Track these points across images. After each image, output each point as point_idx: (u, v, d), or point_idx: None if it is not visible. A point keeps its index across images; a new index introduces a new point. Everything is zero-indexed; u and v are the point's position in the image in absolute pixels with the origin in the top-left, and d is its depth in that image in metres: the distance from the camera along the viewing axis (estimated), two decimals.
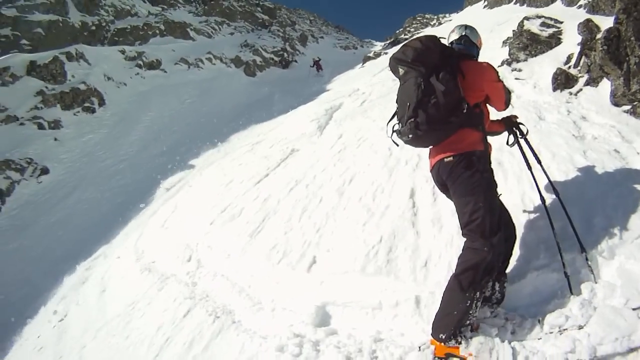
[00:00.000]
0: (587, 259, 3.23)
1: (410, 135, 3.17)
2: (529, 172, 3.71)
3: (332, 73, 27.64)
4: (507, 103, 3.63)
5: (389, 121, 3.64)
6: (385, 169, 6.46)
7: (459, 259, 3.12)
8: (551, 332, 2.87)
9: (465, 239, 3.18)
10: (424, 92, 3.06)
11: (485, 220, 3.03)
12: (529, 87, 7.26)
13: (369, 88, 14.37)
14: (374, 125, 8.83)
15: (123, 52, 30.00)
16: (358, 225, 5.31)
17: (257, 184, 8.52)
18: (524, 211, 4.20)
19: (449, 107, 3.07)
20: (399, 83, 3.39)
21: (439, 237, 4.50)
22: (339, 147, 8.43)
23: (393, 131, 3.47)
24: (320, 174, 7.42)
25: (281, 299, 4.74)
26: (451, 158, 3.22)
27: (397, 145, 3.59)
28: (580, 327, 2.76)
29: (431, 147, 3.50)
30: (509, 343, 2.82)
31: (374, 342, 3.56)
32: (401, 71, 3.31)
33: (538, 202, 3.81)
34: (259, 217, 6.87)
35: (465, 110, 3.12)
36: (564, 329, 2.83)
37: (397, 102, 3.43)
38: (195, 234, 7.67)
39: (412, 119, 3.11)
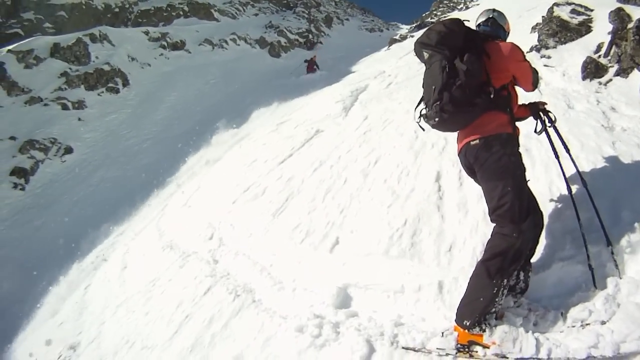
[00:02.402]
0: (612, 253, 3.13)
1: (437, 119, 3.10)
2: (557, 161, 3.58)
3: (354, 58, 27.38)
4: (534, 84, 3.54)
5: (417, 106, 3.54)
6: (411, 151, 6.35)
7: (486, 244, 3.05)
8: (573, 326, 2.79)
9: (494, 225, 3.09)
10: (449, 75, 3.00)
11: (514, 205, 2.94)
12: (558, 75, 7.08)
13: (395, 70, 14.20)
14: (399, 108, 8.70)
15: (147, 33, 30.21)
16: (382, 207, 5.23)
17: (281, 164, 8.48)
18: (551, 200, 4.09)
19: (474, 88, 3.02)
20: (425, 67, 3.32)
21: (465, 223, 4.41)
22: (364, 129, 8.32)
23: (420, 116, 3.39)
24: (345, 155, 7.35)
25: (302, 279, 4.71)
26: (477, 141, 3.14)
27: (424, 130, 3.54)
28: (603, 323, 2.69)
29: (458, 131, 3.41)
30: (533, 334, 2.75)
31: (394, 326, 3.50)
32: (426, 55, 3.26)
33: (565, 191, 3.65)
34: (282, 197, 6.84)
35: (492, 93, 3.06)
36: (587, 324, 2.75)
37: (423, 86, 3.36)
38: (217, 212, 7.68)
39: (438, 102, 3.04)
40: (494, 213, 3.05)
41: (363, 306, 3.99)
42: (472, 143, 3.17)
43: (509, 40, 3.64)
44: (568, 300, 3.04)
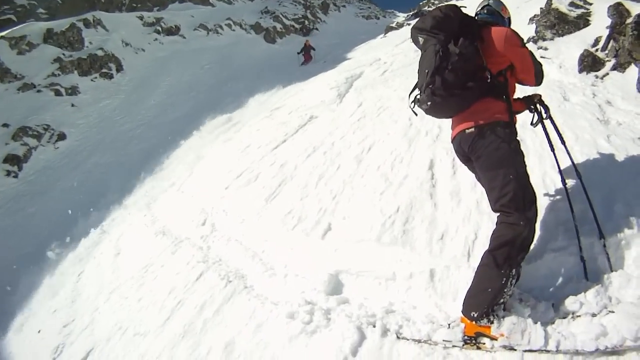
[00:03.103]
0: (605, 246, 3.11)
1: (429, 103, 3.06)
2: (552, 152, 3.54)
3: (350, 45, 27.04)
4: (538, 76, 3.40)
5: (411, 91, 3.47)
6: (405, 138, 6.34)
7: (492, 234, 2.98)
8: (564, 318, 2.78)
9: (498, 214, 3.03)
10: (442, 58, 2.96)
11: (517, 193, 2.89)
12: (554, 67, 7.04)
13: (391, 58, 14.13)
14: (394, 95, 8.67)
15: (141, 18, 29.94)
16: (375, 194, 5.23)
17: (274, 150, 8.50)
18: (545, 191, 4.07)
19: (467, 72, 2.97)
20: (420, 53, 3.28)
21: (457, 211, 4.39)
22: (358, 115, 8.31)
23: (414, 101, 3.33)
24: (339, 141, 7.34)
25: (294, 265, 4.71)
26: (473, 129, 3.08)
27: (417, 114, 3.46)
28: (594, 315, 2.68)
29: (452, 117, 3.37)
30: (541, 325, 2.72)
31: (385, 314, 3.51)
32: (421, 40, 3.23)
33: (559, 183, 3.65)
34: (275, 183, 6.86)
35: (488, 78, 3.01)
36: (578, 316, 2.75)
37: (418, 72, 3.31)
38: (210, 198, 7.71)
39: (430, 85, 3.00)
40: (497, 202, 2.99)
41: (354, 293, 4.00)
42: (467, 131, 3.12)
43: None
44: (560, 291, 3.04)
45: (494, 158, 3.00)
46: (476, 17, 3.57)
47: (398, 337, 3.25)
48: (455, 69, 2.93)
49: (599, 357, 2.53)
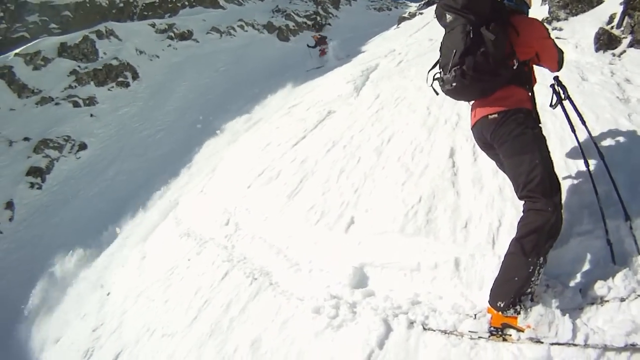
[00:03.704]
0: (631, 228, 3.00)
1: (454, 84, 2.97)
2: (573, 134, 3.43)
3: (364, 38, 26.85)
4: (560, 63, 3.36)
5: (430, 69, 3.43)
6: (424, 128, 6.24)
7: (519, 221, 2.90)
8: (592, 304, 2.72)
9: (524, 202, 2.95)
10: (473, 41, 2.88)
11: (544, 178, 2.81)
12: (570, 47, 6.85)
13: (405, 48, 14.00)
14: (411, 85, 8.58)
15: (153, 25, 30.22)
16: (397, 185, 5.17)
17: (294, 146, 8.51)
18: (567, 174, 3.96)
19: (498, 59, 2.90)
20: (445, 32, 3.19)
21: (480, 198, 4.30)
22: (376, 107, 8.24)
23: (434, 79, 3.27)
24: (358, 134, 7.30)
25: (319, 260, 4.70)
26: (496, 115, 3.02)
27: (437, 93, 3.38)
28: (622, 300, 2.61)
29: (473, 102, 3.30)
30: (569, 318, 2.63)
31: (411, 305, 3.47)
32: (448, 18, 3.10)
33: (582, 165, 3.57)
34: (296, 179, 6.86)
35: (515, 66, 2.96)
36: (606, 301, 2.68)
37: (440, 50, 3.22)
38: (233, 197, 7.76)
39: (458, 66, 2.92)
40: (524, 188, 2.90)
41: (379, 285, 3.96)
42: (490, 117, 3.06)
43: None
44: (587, 276, 2.96)
45: (518, 144, 2.93)
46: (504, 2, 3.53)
47: (424, 329, 3.21)
48: (487, 54, 2.87)
49: (629, 352, 2.44)
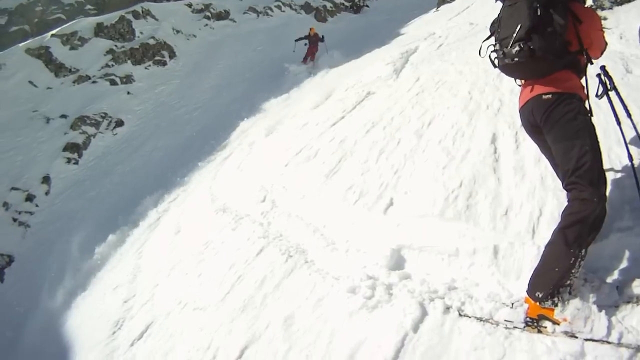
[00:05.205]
0: None
1: (516, 59, 2.94)
2: (618, 126, 3.29)
3: (402, 20, 26.13)
4: (603, 52, 3.31)
5: (484, 40, 3.38)
6: (465, 112, 6.11)
7: (564, 211, 2.84)
8: (628, 302, 2.67)
9: (569, 191, 2.87)
10: (540, 19, 2.84)
11: (594, 166, 2.74)
12: (614, 38, 6.59)
13: (445, 32, 13.70)
14: (452, 69, 8.40)
15: (190, 5, 30.16)
16: (437, 168, 5.09)
17: (333, 126, 8.45)
18: (610, 167, 3.83)
19: (563, 42, 2.89)
20: (503, 5, 3.14)
21: (521, 186, 4.22)
22: (416, 90, 8.08)
23: (492, 51, 3.21)
24: (398, 116, 7.18)
25: (356, 240, 4.68)
26: (550, 96, 2.95)
27: (495, 66, 3.28)
28: None
29: (526, 81, 3.23)
30: (605, 314, 2.59)
31: (447, 290, 3.45)
32: None
33: (625, 159, 3.44)
34: (335, 158, 6.81)
35: (577, 53, 2.97)
36: None
37: (497, 23, 3.18)
38: (270, 175, 7.77)
39: (524, 42, 2.87)
40: (573, 174, 2.81)
41: (416, 268, 3.93)
42: (544, 97, 2.99)
43: None
44: (625, 274, 2.90)
45: (570, 128, 2.86)
46: None
47: (460, 315, 3.19)
48: (555, 35, 2.83)
49: None
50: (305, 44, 20.78)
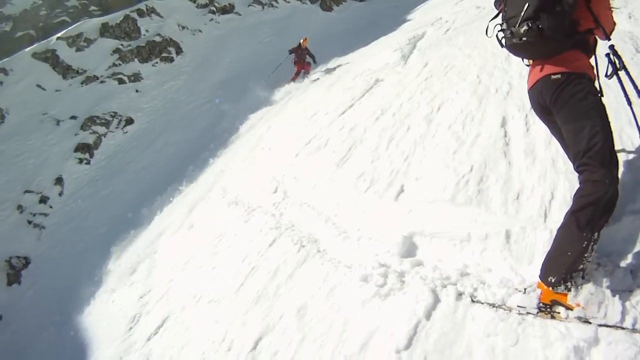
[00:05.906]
0: None
1: (525, 38, 2.87)
2: (629, 107, 3.21)
3: (409, 7, 25.81)
4: (612, 31, 3.21)
5: (491, 19, 3.30)
6: (474, 96, 6.05)
7: (575, 194, 2.77)
8: None
9: (581, 173, 2.80)
10: None
11: (605, 146, 2.67)
12: (623, 17, 6.46)
13: (452, 16, 13.58)
14: (460, 53, 8.31)
15: (194, 0, 30.16)
16: (448, 153, 5.05)
17: (342, 115, 8.45)
18: (622, 149, 3.74)
19: (571, 21, 2.83)
20: None
21: (532, 170, 4.16)
22: (425, 75, 8.03)
23: (500, 30, 3.15)
24: (407, 102, 7.14)
25: (367, 228, 4.66)
26: (559, 76, 2.88)
27: (502, 46, 3.22)
28: None
29: (534, 61, 3.15)
30: (619, 299, 2.54)
31: (460, 276, 3.42)
32: None
33: (637, 140, 3.43)
34: (345, 147, 6.81)
35: (586, 33, 2.92)
36: None
37: (503, 1, 3.13)
38: (280, 166, 7.82)
39: (532, 21, 2.81)
40: (584, 155, 2.74)
41: (428, 255, 3.91)
42: (553, 77, 2.91)
43: None
44: (638, 258, 2.84)
45: (581, 108, 2.79)
46: None
47: (473, 301, 3.16)
48: (564, 14, 2.78)
49: None
50: (292, 60, 17.87)
